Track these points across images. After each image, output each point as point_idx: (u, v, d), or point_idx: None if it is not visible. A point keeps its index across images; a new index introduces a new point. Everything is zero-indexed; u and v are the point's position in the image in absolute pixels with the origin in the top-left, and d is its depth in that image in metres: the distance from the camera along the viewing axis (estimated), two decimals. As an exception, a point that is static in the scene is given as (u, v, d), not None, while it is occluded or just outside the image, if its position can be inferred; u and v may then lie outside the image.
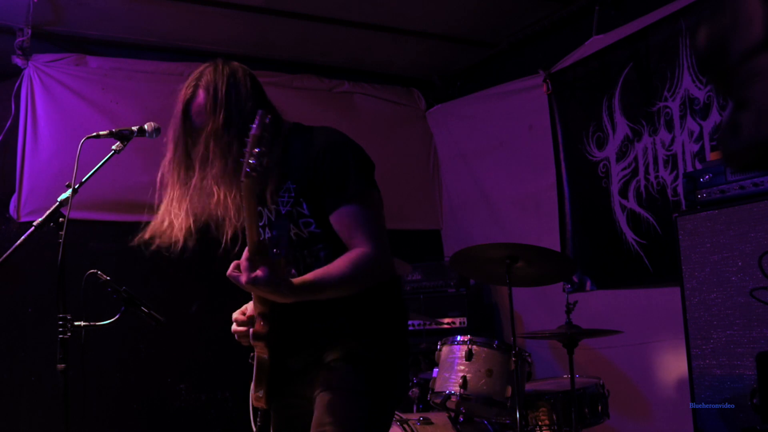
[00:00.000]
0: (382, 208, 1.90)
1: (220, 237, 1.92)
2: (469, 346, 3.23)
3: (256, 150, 1.58)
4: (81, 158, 2.34)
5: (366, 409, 1.81)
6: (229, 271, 1.68)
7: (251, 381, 1.95)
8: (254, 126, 1.61)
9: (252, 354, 1.97)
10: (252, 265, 1.62)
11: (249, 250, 1.64)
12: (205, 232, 2.02)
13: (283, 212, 1.88)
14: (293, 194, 1.87)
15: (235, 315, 1.93)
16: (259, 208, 1.92)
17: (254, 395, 1.90)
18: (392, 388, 1.90)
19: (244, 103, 1.92)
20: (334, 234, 1.85)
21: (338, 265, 1.78)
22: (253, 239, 1.64)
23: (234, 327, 1.91)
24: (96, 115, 4.31)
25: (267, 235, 1.92)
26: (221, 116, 1.87)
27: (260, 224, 1.94)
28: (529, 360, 3.32)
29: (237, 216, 1.87)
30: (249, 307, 1.92)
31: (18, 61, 4.15)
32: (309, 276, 1.75)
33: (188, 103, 1.98)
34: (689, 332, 2.95)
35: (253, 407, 2.00)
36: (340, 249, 1.83)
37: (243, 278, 1.63)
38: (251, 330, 1.83)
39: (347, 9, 4.28)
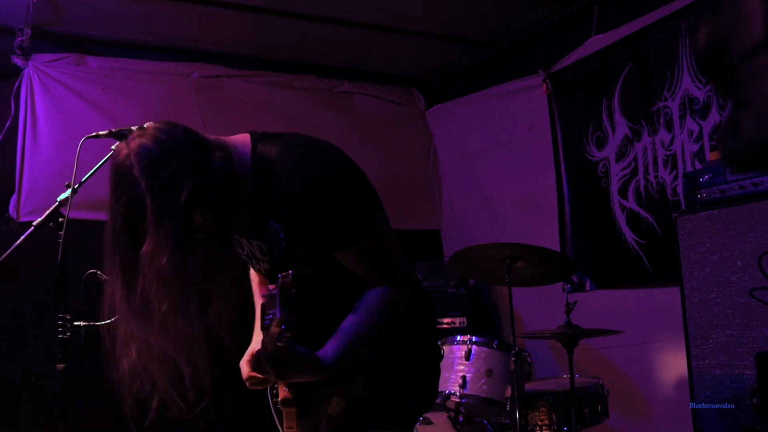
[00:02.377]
0: (387, 226, 1.71)
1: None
2: (469, 346, 3.24)
3: (282, 328, 1.40)
4: (81, 158, 2.34)
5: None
6: (253, 366, 1.64)
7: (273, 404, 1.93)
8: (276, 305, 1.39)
9: (275, 401, 1.92)
10: (276, 366, 1.48)
11: (268, 354, 1.48)
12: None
13: (280, 261, 1.68)
14: (282, 235, 1.65)
15: (243, 368, 1.82)
16: (240, 239, 1.77)
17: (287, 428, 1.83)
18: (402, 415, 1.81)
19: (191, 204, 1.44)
20: (336, 270, 1.67)
21: (362, 318, 1.63)
22: (274, 345, 1.46)
23: (249, 385, 1.82)
24: (96, 115, 4.30)
25: (258, 267, 1.80)
26: (167, 253, 1.41)
27: (243, 254, 1.81)
28: (529, 360, 3.32)
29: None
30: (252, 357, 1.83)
31: (18, 61, 4.15)
32: (338, 345, 1.59)
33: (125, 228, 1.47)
34: (689, 332, 2.95)
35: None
36: (348, 278, 1.68)
37: (274, 375, 1.52)
38: (281, 397, 1.75)
39: (347, 9, 4.28)
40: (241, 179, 1.59)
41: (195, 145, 1.50)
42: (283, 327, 1.43)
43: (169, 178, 1.42)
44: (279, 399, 1.77)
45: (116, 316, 1.50)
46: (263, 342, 1.50)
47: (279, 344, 1.44)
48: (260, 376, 1.71)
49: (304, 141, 1.67)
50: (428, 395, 1.90)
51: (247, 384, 1.82)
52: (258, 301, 1.99)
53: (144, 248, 1.40)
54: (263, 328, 1.53)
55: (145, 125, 2.53)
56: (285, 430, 1.84)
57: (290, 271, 1.48)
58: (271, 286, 1.57)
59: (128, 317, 1.48)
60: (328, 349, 1.59)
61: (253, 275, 2.03)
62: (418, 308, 1.79)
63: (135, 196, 1.41)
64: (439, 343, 3.36)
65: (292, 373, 1.52)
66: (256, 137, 1.69)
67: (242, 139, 1.68)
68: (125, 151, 1.46)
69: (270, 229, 1.66)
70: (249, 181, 1.61)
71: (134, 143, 1.46)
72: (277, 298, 1.45)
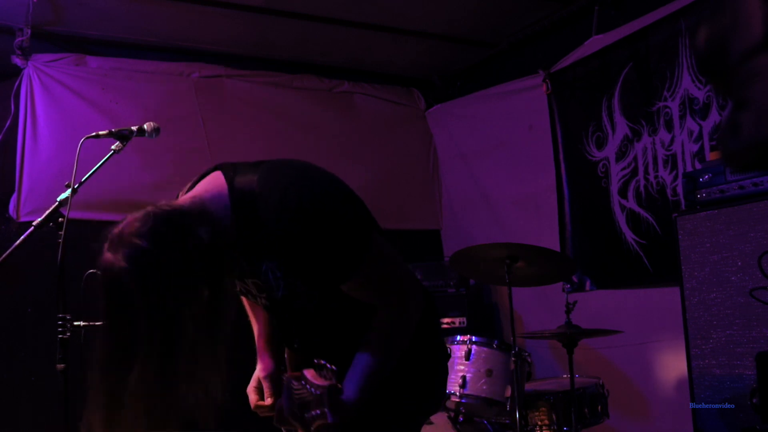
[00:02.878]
0: (384, 244, 1.62)
1: None
2: (469, 346, 3.24)
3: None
4: (81, 158, 2.34)
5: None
6: (256, 402, 1.65)
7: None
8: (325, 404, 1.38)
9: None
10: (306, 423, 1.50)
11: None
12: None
13: (280, 297, 1.62)
14: (279, 275, 1.58)
15: (251, 396, 1.81)
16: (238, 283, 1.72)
17: None
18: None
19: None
20: (337, 299, 1.62)
21: (375, 349, 1.59)
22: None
23: (261, 412, 1.81)
24: (96, 115, 4.30)
25: (255, 300, 1.76)
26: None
27: (239, 289, 1.77)
28: (529, 360, 3.32)
29: None
30: (264, 384, 1.82)
31: (18, 61, 4.15)
32: (355, 384, 1.55)
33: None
34: (689, 332, 2.95)
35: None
36: (352, 300, 1.64)
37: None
38: None
39: (347, 9, 4.28)
40: (226, 233, 1.48)
41: (180, 239, 1.40)
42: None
43: (165, 293, 1.36)
44: None
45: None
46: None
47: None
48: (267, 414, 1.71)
49: (286, 169, 1.56)
50: (437, 395, 1.88)
51: (257, 411, 1.82)
52: (254, 321, 1.95)
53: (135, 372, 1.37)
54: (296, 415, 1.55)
55: (145, 125, 2.50)
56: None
57: (333, 368, 1.46)
58: (308, 373, 1.53)
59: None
60: (350, 390, 1.55)
61: (246, 301, 1.99)
62: (424, 309, 1.76)
63: (131, 312, 1.37)
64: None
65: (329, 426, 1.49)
66: (231, 173, 1.56)
67: (215, 183, 1.56)
68: (116, 267, 1.40)
69: (264, 271, 1.58)
70: (233, 225, 1.50)
71: (120, 255, 1.40)
72: (326, 400, 1.45)
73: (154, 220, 1.41)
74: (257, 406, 1.80)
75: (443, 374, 1.87)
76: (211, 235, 1.43)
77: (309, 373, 1.53)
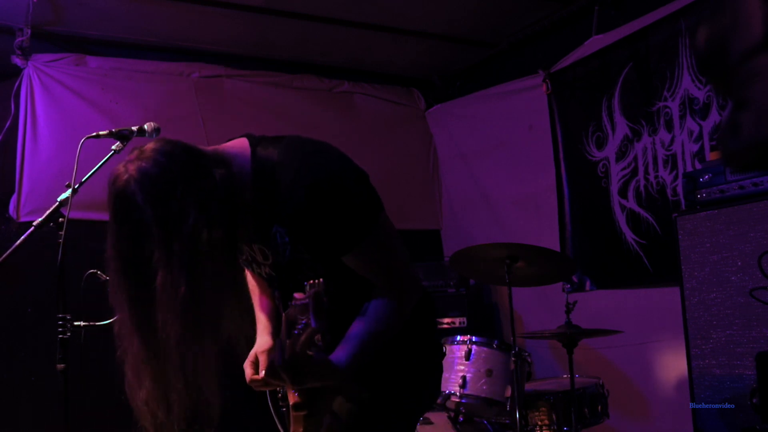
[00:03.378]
0: (391, 227, 1.68)
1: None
2: (469, 346, 3.24)
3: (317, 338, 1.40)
4: (81, 158, 2.34)
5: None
6: (267, 372, 1.59)
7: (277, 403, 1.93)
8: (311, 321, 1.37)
9: (281, 404, 1.94)
10: (290, 372, 1.47)
11: (286, 362, 1.47)
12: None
13: (285, 262, 1.67)
14: (287, 239, 1.62)
15: (246, 370, 1.82)
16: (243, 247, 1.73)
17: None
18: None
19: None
20: (338, 269, 1.65)
21: (371, 323, 1.62)
22: (292, 356, 1.46)
23: (254, 387, 1.81)
24: (96, 115, 4.30)
25: (260, 271, 1.78)
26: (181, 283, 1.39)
27: (243, 258, 1.78)
28: (529, 360, 3.32)
29: None
30: (260, 360, 1.83)
31: (18, 61, 4.15)
32: (349, 350, 1.59)
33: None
34: (689, 332, 2.95)
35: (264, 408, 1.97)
36: (352, 279, 1.66)
37: (288, 381, 1.50)
38: (292, 402, 1.75)
39: (347, 9, 4.28)
40: (242, 188, 1.54)
41: (196, 165, 1.44)
42: (318, 337, 1.44)
43: (175, 205, 1.37)
44: (291, 404, 1.76)
45: (124, 344, 1.46)
46: (282, 348, 1.48)
47: (310, 353, 1.45)
48: (264, 380, 1.69)
49: (306, 144, 1.63)
50: (431, 393, 1.90)
51: (252, 386, 1.82)
52: (256, 299, 1.97)
53: (158, 280, 1.37)
54: (289, 336, 1.51)
55: (146, 125, 2.51)
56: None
57: (321, 280, 1.46)
58: (298, 295, 1.54)
59: (141, 348, 1.44)
60: (341, 354, 1.58)
61: (250, 279, 2.02)
62: (420, 307, 1.78)
63: (140, 226, 1.37)
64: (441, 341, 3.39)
65: (308, 379, 1.51)
66: (255, 141, 1.63)
67: (240, 144, 1.63)
68: (125, 176, 1.40)
69: (273, 233, 1.62)
70: (250, 187, 1.56)
71: (133, 167, 1.40)
72: (311, 307, 1.44)
73: (176, 144, 1.45)
74: (252, 380, 1.80)
75: (438, 372, 1.89)
76: (227, 182, 1.46)
77: (297, 294, 1.55)
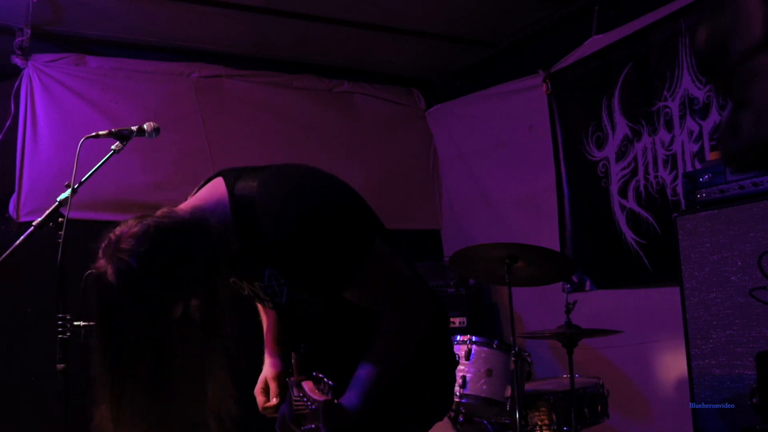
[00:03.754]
0: (387, 251, 1.63)
1: None
2: (469, 346, 3.24)
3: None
4: (81, 158, 2.34)
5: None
6: (264, 404, 1.65)
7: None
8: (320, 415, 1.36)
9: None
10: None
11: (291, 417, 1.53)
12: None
13: (283, 303, 1.65)
14: (282, 281, 1.60)
15: (258, 397, 1.84)
16: (240, 282, 1.73)
17: None
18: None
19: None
20: (340, 306, 1.62)
21: (377, 361, 1.58)
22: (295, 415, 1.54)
23: (269, 413, 1.83)
24: (96, 115, 4.30)
25: (256, 299, 1.78)
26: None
27: (245, 293, 1.77)
28: (529, 360, 3.32)
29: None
30: (270, 384, 1.84)
31: (17, 61, 4.15)
32: (358, 394, 1.55)
33: None
34: (689, 332, 2.95)
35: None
36: (354, 309, 1.64)
37: None
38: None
39: (347, 9, 4.28)
40: (227, 242, 1.50)
41: (174, 259, 1.41)
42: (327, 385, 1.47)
43: (156, 301, 1.39)
44: None
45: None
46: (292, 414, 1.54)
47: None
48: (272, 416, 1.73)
49: (289, 176, 1.56)
50: (445, 402, 1.84)
51: (265, 413, 1.85)
52: (265, 320, 1.98)
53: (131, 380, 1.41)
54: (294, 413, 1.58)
55: (145, 125, 2.50)
56: None
57: (330, 383, 1.47)
58: (306, 385, 1.58)
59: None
60: (353, 396, 1.55)
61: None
62: (433, 315, 1.74)
63: (120, 323, 1.41)
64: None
65: None
66: (232, 180, 1.57)
67: (217, 190, 1.58)
68: (108, 274, 1.41)
69: (268, 275, 1.59)
70: (234, 235, 1.51)
71: (112, 267, 1.41)
72: (321, 414, 1.46)
73: (151, 238, 1.40)
74: (264, 408, 1.83)
75: (450, 381, 1.85)
76: (210, 248, 1.43)
77: (307, 386, 1.54)
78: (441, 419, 1.82)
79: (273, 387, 1.84)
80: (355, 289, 1.56)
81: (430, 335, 1.73)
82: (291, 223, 1.47)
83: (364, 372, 1.58)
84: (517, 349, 3.14)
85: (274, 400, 1.81)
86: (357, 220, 1.59)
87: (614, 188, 4.05)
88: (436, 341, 1.79)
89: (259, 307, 1.98)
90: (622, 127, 4.00)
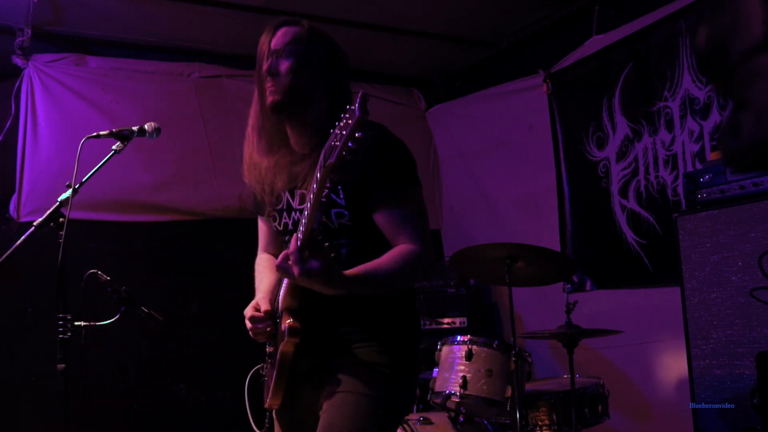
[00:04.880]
0: (425, 205, 1.91)
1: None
2: (469, 346, 3.23)
3: (358, 134, 1.48)
4: (81, 158, 2.34)
5: (375, 412, 1.76)
6: (278, 262, 1.64)
7: (259, 381, 1.93)
8: (356, 108, 1.47)
9: (267, 359, 1.94)
10: (303, 256, 1.58)
11: (302, 239, 1.60)
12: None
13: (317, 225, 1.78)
14: (329, 184, 1.77)
15: (249, 312, 1.89)
16: (282, 193, 1.92)
17: (271, 394, 1.84)
18: (401, 393, 1.85)
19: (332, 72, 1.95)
20: (363, 229, 1.82)
21: (388, 261, 1.76)
22: (311, 227, 1.60)
23: (251, 324, 1.86)
24: (96, 115, 4.31)
25: (283, 221, 1.92)
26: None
27: (277, 208, 1.94)
28: (529, 360, 3.32)
29: (271, 189, 1.89)
30: (261, 304, 1.89)
31: (18, 61, 4.15)
32: (360, 269, 1.71)
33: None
34: (689, 332, 2.95)
35: (263, 409, 1.97)
36: (365, 247, 1.81)
37: (296, 270, 1.58)
38: (287, 324, 1.76)
39: (347, 9, 4.28)
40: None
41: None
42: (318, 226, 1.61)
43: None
44: (285, 327, 1.76)
45: None
46: (296, 237, 1.61)
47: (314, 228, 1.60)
48: (288, 267, 1.69)
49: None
50: (417, 358, 1.95)
51: (251, 332, 1.87)
52: (259, 278, 2.05)
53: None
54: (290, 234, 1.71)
55: (146, 125, 2.53)
56: (268, 401, 1.87)
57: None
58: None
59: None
60: (347, 271, 1.68)
61: (261, 259, 2.11)
62: (409, 298, 1.93)
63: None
64: (439, 343, 3.39)
65: (317, 271, 1.58)
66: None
67: None
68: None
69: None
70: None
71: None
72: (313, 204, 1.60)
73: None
74: (252, 317, 1.85)
75: (417, 380, 1.99)
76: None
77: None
78: (407, 413, 1.94)
79: (264, 301, 1.90)
80: (395, 207, 1.80)
81: (410, 331, 1.91)
82: (379, 136, 1.88)
83: (368, 265, 1.73)
84: (517, 349, 3.13)
85: (266, 307, 1.86)
86: (415, 162, 1.97)
87: (615, 188, 4.05)
88: (413, 340, 1.93)
89: (259, 267, 2.08)
90: (623, 127, 4.00)
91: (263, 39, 2.04)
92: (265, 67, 1.95)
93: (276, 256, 2.05)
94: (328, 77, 1.94)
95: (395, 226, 1.80)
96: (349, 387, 1.76)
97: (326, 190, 1.64)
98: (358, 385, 1.76)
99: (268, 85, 1.93)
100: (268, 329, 1.86)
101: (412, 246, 1.78)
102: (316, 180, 1.57)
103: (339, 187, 1.79)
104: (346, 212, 1.81)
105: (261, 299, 1.93)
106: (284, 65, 1.93)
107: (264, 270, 2.08)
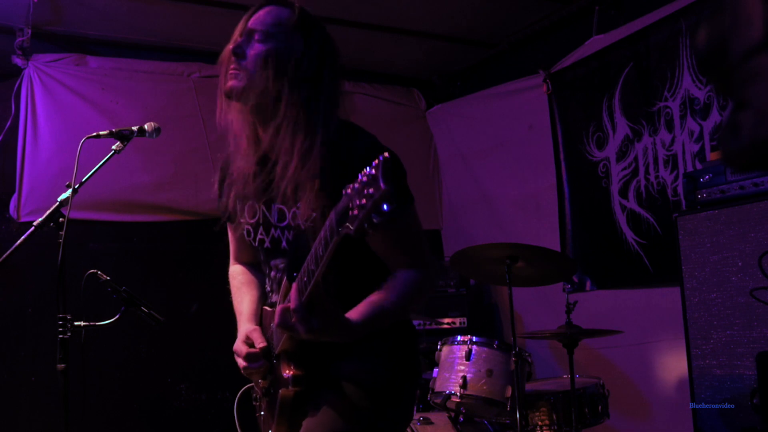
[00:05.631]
0: (419, 221, 1.76)
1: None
2: (469, 346, 3.23)
3: (385, 208, 1.29)
4: (81, 158, 2.34)
5: (371, 420, 1.71)
6: (278, 320, 1.52)
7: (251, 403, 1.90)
8: (380, 178, 1.27)
9: (260, 392, 1.87)
10: (306, 316, 1.47)
11: (306, 296, 1.47)
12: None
13: (303, 227, 1.66)
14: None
15: (242, 349, 1.76)
16: (256, 205, 1.76)
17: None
18: (398, 407, 1.77)
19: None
20: (357, 251, 1.66)
21: (392, 294, 1.63)
22: (317, 282, 1.46)
23: (247, 363, 1.74)
24: (96, 115, 4.31)
25: (259, 236, 1.79)
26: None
27: (251, 221, 1.79)
28: (529, 360, 3.32)
29: (242, 197, 1.76)
30: (253, 337, 1.77)
31: (18, 61, 4.15)
32: (367, 311, 1.59)
33: None
34: (689, 332, 2.95)
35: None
36: (358, 270, 1.70)
37: (301, 329, 1.47)
38: (290, 374, 1.67)
39: (347, 9, 4.28)
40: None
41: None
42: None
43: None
44: (289, 376, 1.67)
45: None
46: (299, 290, 1.49)
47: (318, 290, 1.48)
48: (255, 366, 1.65)
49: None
50: (417, 373, 1.88)
51: (243, 371, 1.78)
52: (239, 298, 1.95)
53: None
54: (289, 279, 1.54)
55: (146, 125, 2.53)
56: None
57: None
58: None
59: None
60: (353, 314, 1.57)
61: (235, 272, 2.00)
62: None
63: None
64: (439, 343, 3.39)
65: (321, 326, 1.49)
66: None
67: None
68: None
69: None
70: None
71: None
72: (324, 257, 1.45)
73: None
74: (248, 355, 1.73)
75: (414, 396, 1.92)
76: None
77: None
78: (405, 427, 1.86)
79: (257, 335, 1.76)
80: (390, 229, 1.62)
81: (409, 348, 1.81)
82: (370, 149, 1.65)
83: (371, 301, 1.61)
84: (517, 349, 3.13)
85: (260, 344, 1.73)
86: (405, 172, 1.75)
87: (615, 188, 4.05)
88: (412, 356, 1.83)
89: (234, 281, 1.98)
90: (623, 128, 4.00)
91: (244, 16, 1.80)
92: (231, 44, 1.73)
93: (250, 265, 2.00)
94: (306, 74, 1.68)
95: (391, 249, 1.69)
96: (327, 420, 1.66)
97: (309, 220, 1.56)
98: (335, 420, 1.66)
99: (232, 66, 1.70)
100: (263, 369, 1.75)
101: (413, 272, 1.67)
102: (325, 241, 1.41)
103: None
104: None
105: (251, 331, 1.78)
106: (255, 48, 1.70)
107: (241, 286, 1.96)
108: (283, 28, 1.72)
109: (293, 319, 1.48)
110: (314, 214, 1.60)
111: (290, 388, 1.66)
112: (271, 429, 1.79)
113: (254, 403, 1.97)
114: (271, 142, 1.68)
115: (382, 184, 1.27)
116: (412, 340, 1.84)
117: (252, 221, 1.79)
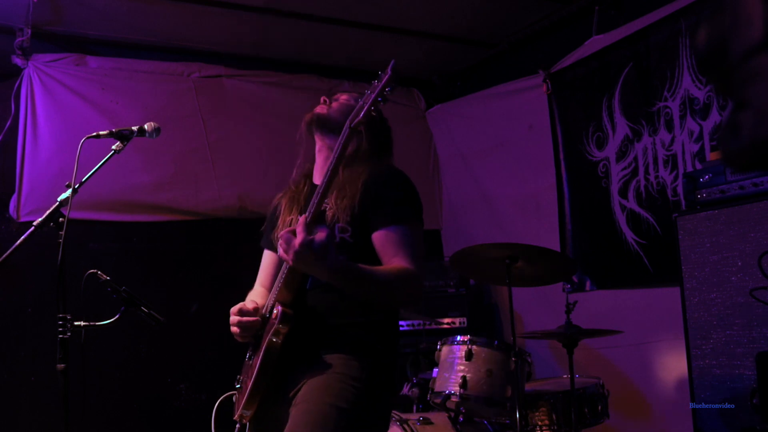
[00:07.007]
0: (423, 241, 1.96)
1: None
2: (469, 346, 3.23)
3: (388, 90, 1.65)
4: (81, 158, 2.34)
5: (359, 393, 1.79)
6: (283, 231, 1.70)
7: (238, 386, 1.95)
8: (389, 69, 1.64)
9: (242, 372, 1.95)
10: (310, 228, 1.66)
11: (311, 214, 1.70)
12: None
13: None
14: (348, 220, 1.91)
15: (236, 307, 1.93)
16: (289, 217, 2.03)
17: (247, 398, 1.84)
18: (370, 410, 1.85)
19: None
20: (361, 249, 1.88)
21: (383, 270, 1.83)
22: (320, 206, 1.71)
23: (239, 319, 1.89)
24: (96, 115, 4.31)
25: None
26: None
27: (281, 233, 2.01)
28: (529, 360, 3.32)
29: (279, 215, 1.99)
30: (247, 304, 1.93)
31: (18, 61, 4.15)
32: (356, 264, 1.78)
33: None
34: (689, 332, 2.95)
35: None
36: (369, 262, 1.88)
37: (299, 238, 1.64)
38: (279, 310, 1.81)
39: (347, 9, 4.28)
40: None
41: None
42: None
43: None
44: (277, 313, 1.81)
45: None
46: (304, 216, 1.71)
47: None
48: (291, 237, 1.73)
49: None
50: (395, 349, 2.03)
51: (235, 326, 1.90)
52: (250, 298, 2.08)
53: None
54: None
55: (146, 125, 2.54)
56: (241, 409, 1.87)
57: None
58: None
59: None
60: (342, 259, 1.75)
61: (254, 291, 2.15)
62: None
63: None
64: (439, 343, 3.39)
65: (317, 242, 1.63)
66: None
67: None
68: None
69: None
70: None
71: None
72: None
73: None
74: (241, 310, 1.90)
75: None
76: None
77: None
78: (394, 399, 2.09)
79: (251, 303, 1.95)
80: (396, 231, 1.87)
81: (391, 329, 1.99)
82: (392, 173, 2.02)
83: (370, 267, 1.80)
84: (517, 349, 3.13)
85: (251, 305, 1.92)
86: (421, 203, 2.05)
87: (614, 188, 4.05)
88: (393, 336, 2.00)
89: (256, 290, 2.15)
90: (623, 127, 4.00)
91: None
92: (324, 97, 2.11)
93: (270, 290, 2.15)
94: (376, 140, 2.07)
95: (392, 246, 1.87)
96: (316, 395, 1.77)
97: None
98: (326, 394, 1.76)
99: (321, 100, 2.07)
100: (256, 324, 1.89)
101: (405, 265, 1.84)
102: (340, 145, 1.70)
103: (347, 205, 1.88)
104: (349, 228, 1.88)
105: (248, 301, 1.99)
106: (344, 97, 2.08)
107: (253, 293, 2.16)
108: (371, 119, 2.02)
109: (297, 235, 1.65)
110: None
111: (277, 326, 1.79)
112: (244, 395, 1.86)
113: (236, 385, 2.00)
114: (322, 165, 2.10)
115: (389, 71, 1.64)
116: (395, 336, 2.00)
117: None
